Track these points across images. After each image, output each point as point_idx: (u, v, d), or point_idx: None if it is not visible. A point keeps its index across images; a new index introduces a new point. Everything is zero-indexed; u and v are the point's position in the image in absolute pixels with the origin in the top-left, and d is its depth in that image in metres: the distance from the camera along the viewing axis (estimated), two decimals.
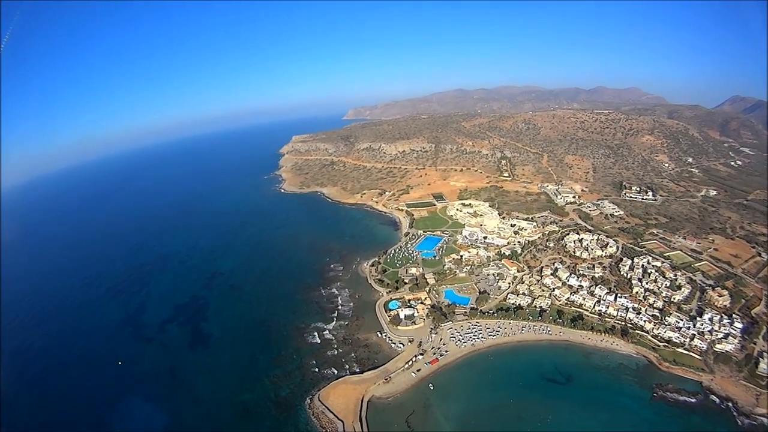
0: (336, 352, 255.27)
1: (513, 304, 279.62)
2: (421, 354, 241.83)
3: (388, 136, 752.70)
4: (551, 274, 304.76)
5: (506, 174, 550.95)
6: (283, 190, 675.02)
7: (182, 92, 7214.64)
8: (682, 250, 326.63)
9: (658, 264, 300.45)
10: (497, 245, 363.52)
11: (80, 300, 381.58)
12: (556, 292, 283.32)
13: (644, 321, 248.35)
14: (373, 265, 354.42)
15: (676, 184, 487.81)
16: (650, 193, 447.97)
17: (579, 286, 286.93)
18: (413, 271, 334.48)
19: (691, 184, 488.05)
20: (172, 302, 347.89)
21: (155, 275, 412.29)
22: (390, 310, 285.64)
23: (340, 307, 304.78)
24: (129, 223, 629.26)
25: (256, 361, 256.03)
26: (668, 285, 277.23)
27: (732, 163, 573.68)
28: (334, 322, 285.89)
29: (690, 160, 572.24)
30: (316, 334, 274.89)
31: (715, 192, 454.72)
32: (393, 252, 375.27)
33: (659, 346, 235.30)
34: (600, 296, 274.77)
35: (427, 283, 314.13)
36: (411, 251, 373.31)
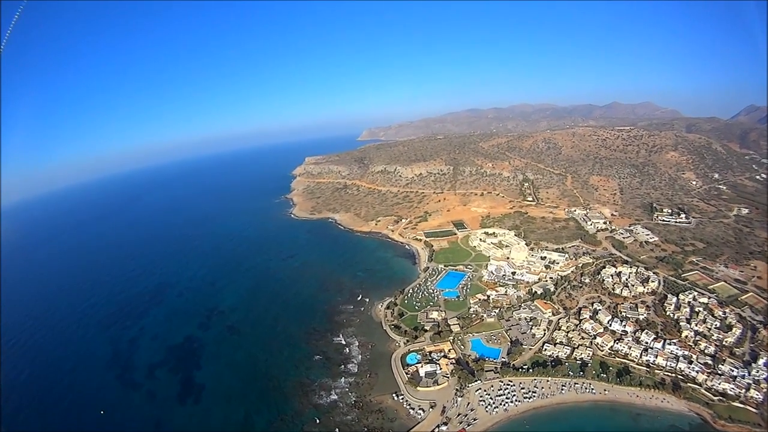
0: (344, 418, 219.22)
1: (550, 356, 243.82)
2: (445, 423, 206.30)
3: (404, 157, 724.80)
4: (591, 318, 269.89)
5: (530, 198, 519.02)
6: (293, 215, 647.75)
7: (195, 111, 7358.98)
8: (726, 281, 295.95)
9: (705, 300, 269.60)
10: (527, 282, 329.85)
11: (71, 331, 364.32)
12: (598, 340, 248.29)
13: (696, 371, 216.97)
14: (388, 308, 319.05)
15: (707, 204, 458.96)
16: (683, 216, 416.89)
17: (623, 331, 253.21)
18: (434, 315, 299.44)
19: (722, 202, 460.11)
20: (165, 342, 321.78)
21: (150, 308, 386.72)
22: (408, 365, 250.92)
23: (350, 360, 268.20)
24: (130, 247, 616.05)
25: (251, 424, 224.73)
26: (718, 325, 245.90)
27: (757, 177, 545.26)
28: (342, 379, 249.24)
29: (716, 176, 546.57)
30: (322, 393, 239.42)
31: (746, 210, 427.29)
32: (411, 291, 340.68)
33: (713, 400, 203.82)
34: (647, 343, 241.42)
35: (451, 331, 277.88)
36: (431, 290, 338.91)
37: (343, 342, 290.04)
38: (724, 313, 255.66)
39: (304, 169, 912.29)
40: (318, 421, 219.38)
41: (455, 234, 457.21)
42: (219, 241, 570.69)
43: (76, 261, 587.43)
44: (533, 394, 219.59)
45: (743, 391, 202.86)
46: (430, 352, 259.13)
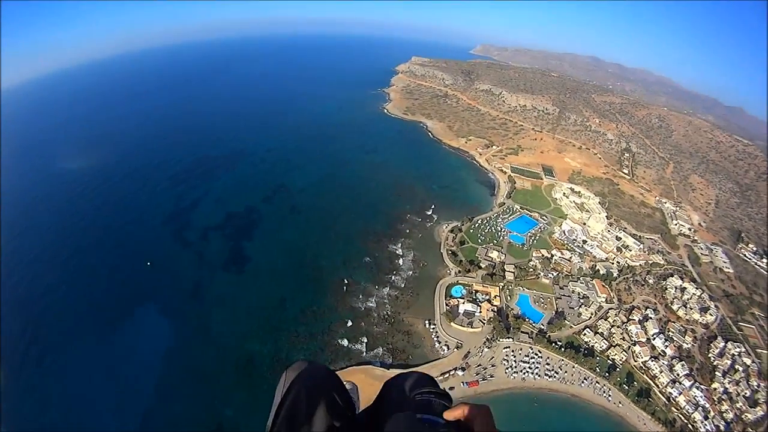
0: (373, 329, 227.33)
1: (586, 343, 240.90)
2: (463, 369, 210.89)
3: (512, 84, 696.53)
4: (639, 322, 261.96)
5: (626, 170, 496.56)
6: (386, 111, 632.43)
7: None
8: None
9: (748, 362, 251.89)
10: (595, 256, 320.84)
11: (143, 182, 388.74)
12: (637, 348, 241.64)
13: (706, 431, 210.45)
14: (452, 231, 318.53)
15: None
16: (765, 260, 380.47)
17: (662, 352, 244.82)
18: (494, 255, 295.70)
19: None
20: (225, 208, 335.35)
21: (221, 173, 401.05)
22: (451, 296, 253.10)
23: (398, 272, 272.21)
24: (215, 113, 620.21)
25: (284, 308, 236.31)
26: (748, 395, 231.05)
27: None
28: (386, 289, 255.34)
29: None
30: (360, 296, 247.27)
31: None
32: (480, 222, 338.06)
33: None
34: (678, 376, 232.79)
35: (504, 277, 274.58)
36: (500, 228, 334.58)
37: (398, 252, 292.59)
38: (758, 385, 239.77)
39: (408, 67, 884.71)
40: (349, 324, 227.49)
41: (541, 179, 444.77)
42: (305, 121, 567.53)
43: (158, 120, 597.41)
44: (555, 374, 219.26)
45: None
46: (476, 292, 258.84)
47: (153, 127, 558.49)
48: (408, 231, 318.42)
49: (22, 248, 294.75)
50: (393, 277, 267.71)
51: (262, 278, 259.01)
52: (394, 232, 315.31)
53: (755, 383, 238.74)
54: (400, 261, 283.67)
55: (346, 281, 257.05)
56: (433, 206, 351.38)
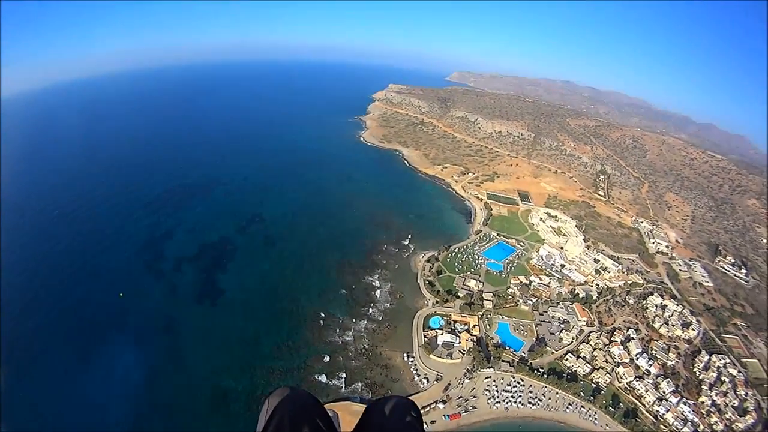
0: (350, 363, 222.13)
1: (569, 368, 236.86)
2: (444, 402, 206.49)
3: (488, 110, 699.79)
4: (621, 343, 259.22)
5: (602, 192, 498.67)
6: (362, 139, 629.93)
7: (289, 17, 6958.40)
8: (760, 360, 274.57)
9: (734, 372, 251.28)
10: (573, 280, 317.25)
11: (119, 208, 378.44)
12: (620, 369, 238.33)
13: None
14: (429, 261, 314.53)
15: None
16: (743, 271, 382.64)
17: (646, 371, 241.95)
18: (471, 284, 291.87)
19: None
20: (199, 238, 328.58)
21: (196, 202, 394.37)
22: (429, 328, 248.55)
23: (375, 305, 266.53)
24: (189, 139, 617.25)
25: (259, 343, 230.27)
26: (736, 405, 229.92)
27: None
28: (363, 322, 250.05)
29: None
30: (337, 330, 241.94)
31: None
32: (456, 251, 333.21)
33: None
34: (664, 393, 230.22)
35: (483, 306, 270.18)
36: (477, 256, 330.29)
37: (375, 284, 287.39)
38: (746, 394, 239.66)
39: (385, 95, 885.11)
40: (326, 359, 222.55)
41: (517, 205, 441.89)
42: (281, 149, 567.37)
43: (134, 145, 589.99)
44: (539, 401, 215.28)
45: None
46: (455, 322, 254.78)
47: (131, 151, 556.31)
48: (384, 261, 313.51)
49: None
50: (370, 309, 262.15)
51: (236, 311, 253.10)
52: (370, 263, 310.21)
53: (743, 392, 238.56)
54: (377, 293, 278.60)
55: (322, 315, 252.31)
56: (409, 236, 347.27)
